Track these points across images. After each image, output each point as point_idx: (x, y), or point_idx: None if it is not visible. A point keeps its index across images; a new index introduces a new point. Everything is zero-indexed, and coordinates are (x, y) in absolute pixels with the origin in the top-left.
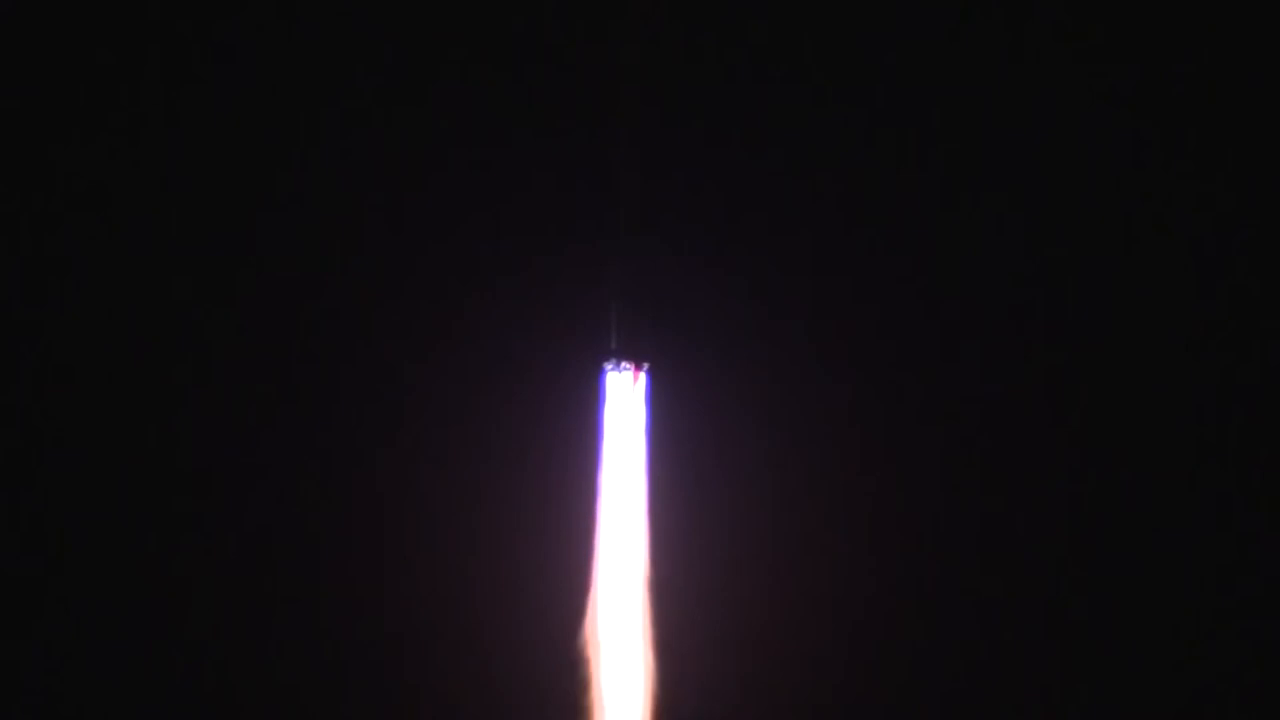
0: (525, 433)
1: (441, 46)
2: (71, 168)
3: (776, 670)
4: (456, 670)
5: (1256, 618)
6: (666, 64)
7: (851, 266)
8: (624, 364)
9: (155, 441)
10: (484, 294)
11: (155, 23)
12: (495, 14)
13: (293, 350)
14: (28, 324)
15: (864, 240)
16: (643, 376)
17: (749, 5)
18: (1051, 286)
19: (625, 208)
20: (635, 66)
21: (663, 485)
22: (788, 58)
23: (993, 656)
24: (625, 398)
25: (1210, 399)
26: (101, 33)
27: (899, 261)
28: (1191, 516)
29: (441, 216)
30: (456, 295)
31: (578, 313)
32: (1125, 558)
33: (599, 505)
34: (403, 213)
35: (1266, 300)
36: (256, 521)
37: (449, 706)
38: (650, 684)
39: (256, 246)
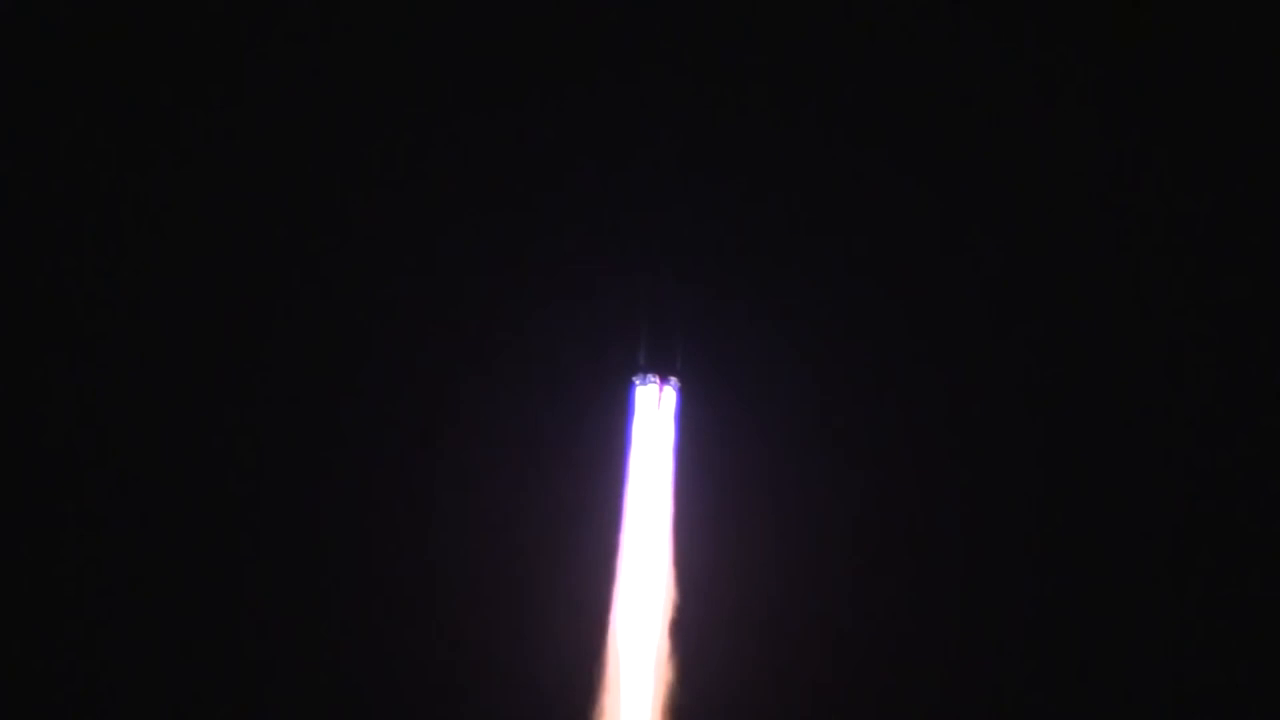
0: (557, 443)
1: (489, 78)
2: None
3: (797, 683)
4: (481, 672)
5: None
6: (698, 90)
7: (877, 287)
8: (652, 379)
9: (204, 446)
10: (520, 312)
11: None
12: (532, 46)
13: (328, 362)
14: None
15: (890, 262)
16: (670, 391)
17: (778, 43)
18: (1073, 304)
19: (657, 232)
20: (669, 93)
21: (688, 495)
22: (815, 93)
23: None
24: (653, 411)
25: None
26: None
27: (925, 282)
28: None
29: (483, 240)
30: (495, 313)
31: (610, 330)
32: (1144, 566)
33: (625, 513)
34: (446, 235)
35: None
36: (295, 532)
37: (474, 706)
38: (670, 694)
39: (300, 262)
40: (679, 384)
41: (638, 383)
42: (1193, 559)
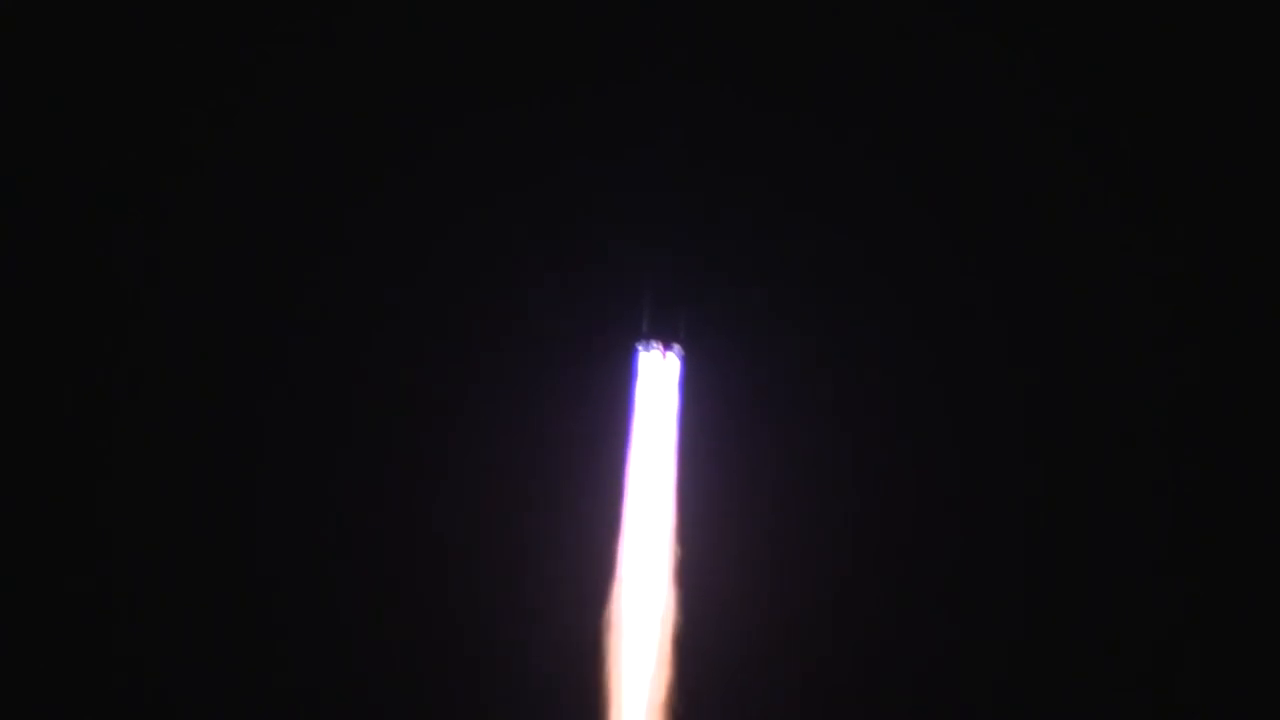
0: (557, 411)
1: (492, 45)
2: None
3: (802, 657)
4: (478, 649)
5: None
6: (701, 58)
7: (885, 256)
8: (655, 346)
9: (203, 435)
10: (521, 276)
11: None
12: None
13: (324, 329)
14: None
15: (898, 229)
16: (673, 358)
17: (781, 29)
18: (1063, 283)
19: (660, 195)
20: (670, 61)
21: (691, 465)
22: (826, 71)
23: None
24: (656, 379)
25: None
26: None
27: (933, 252)
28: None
29: (482, 201)
30: (494, 277)
31: (612, 296)
32: (1146, 568)
33: (627, 483)
34: (444, 196)
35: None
36: (286, 501)
37: (469, 687)
38: (672, 665)
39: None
40: (682, 350)
41: (640, 349)
42: (1195, 562)
